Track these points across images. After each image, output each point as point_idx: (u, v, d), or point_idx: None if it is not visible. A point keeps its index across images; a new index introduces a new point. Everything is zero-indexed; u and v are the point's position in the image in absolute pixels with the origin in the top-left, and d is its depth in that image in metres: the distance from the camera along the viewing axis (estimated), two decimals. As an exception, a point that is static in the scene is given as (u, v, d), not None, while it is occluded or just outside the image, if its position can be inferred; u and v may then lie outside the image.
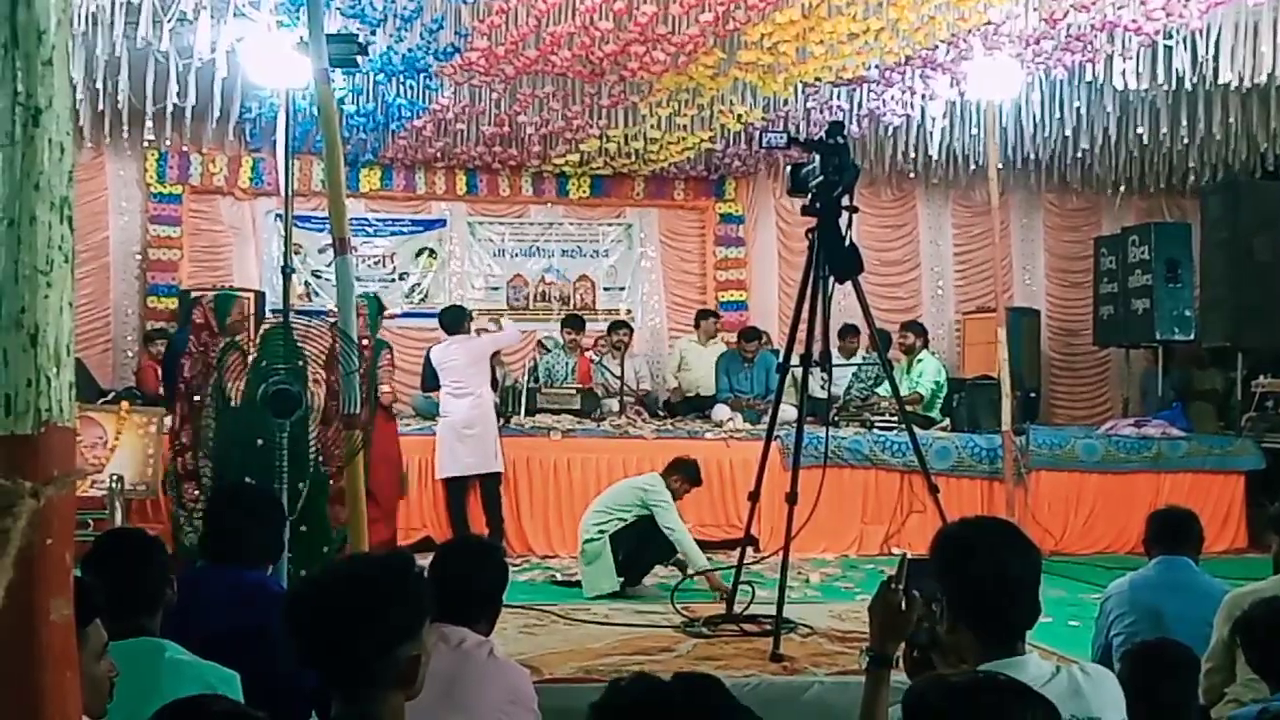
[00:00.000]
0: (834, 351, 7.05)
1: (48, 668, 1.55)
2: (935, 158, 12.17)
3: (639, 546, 8.15)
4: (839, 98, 10.66)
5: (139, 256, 12.62)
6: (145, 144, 11.77)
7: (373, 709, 2.40)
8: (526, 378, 11.29)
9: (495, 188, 13.26)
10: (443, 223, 13.39)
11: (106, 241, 12.41)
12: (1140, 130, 11.29)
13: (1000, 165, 10.76)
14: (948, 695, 2.04)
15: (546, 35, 8.80)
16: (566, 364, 11.56)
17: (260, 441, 5.80)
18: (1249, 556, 9.90)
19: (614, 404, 11.05)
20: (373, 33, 8.65)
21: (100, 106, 10.21)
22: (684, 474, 8.40)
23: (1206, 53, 8.80)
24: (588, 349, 11.87)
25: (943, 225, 14.18)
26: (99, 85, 9.48)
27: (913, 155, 12.31)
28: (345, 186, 5.67)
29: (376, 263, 13.17)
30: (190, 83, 9.49)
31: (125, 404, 9.30)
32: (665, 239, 13.87)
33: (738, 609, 6.81)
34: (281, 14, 8.32)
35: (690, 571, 7.92)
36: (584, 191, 13.41)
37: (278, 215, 12.30)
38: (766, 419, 7.64)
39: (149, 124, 10.40)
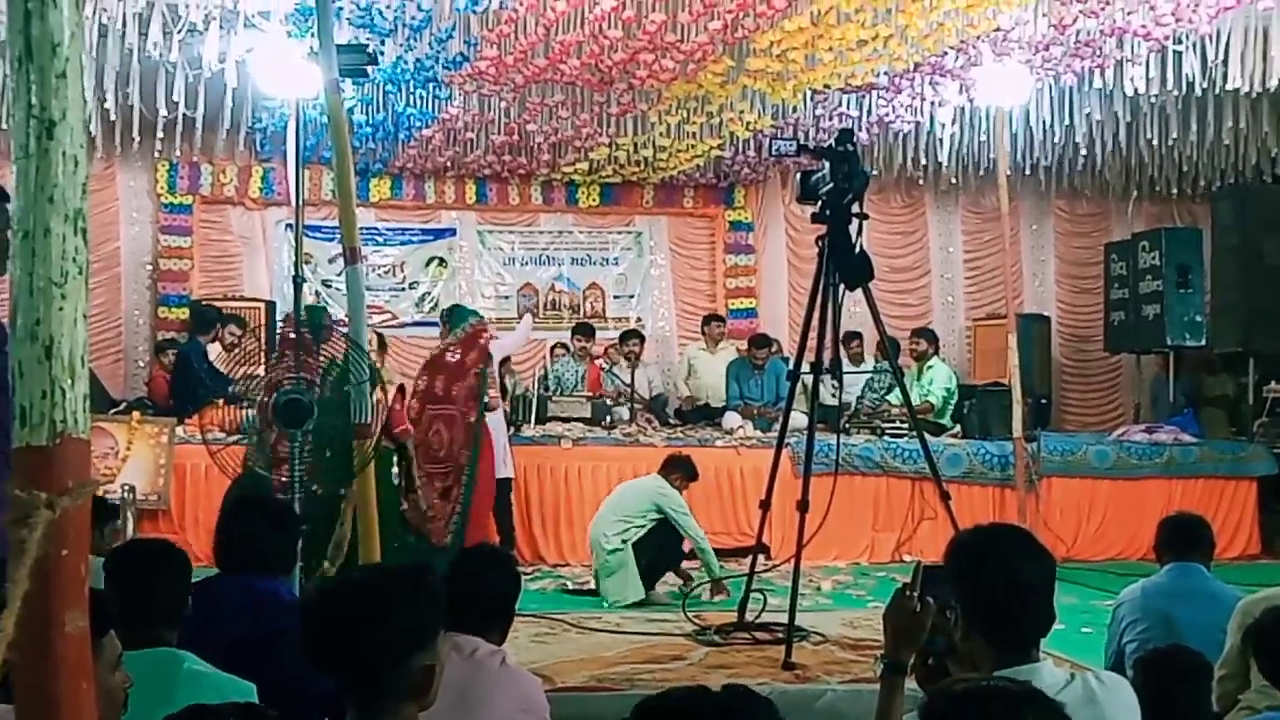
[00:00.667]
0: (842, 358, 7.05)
1: (63, 678, 1.56)
2: (945, 164, 12.17)
3: (659, 553, 8.20)
4: (848, 105, 10.67)
5: (150, 267, 12.66)
6: (156, 154, 11.82)
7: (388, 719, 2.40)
8: (537, 386, 11.31)
9: (505, 196, 13.29)
10: (452, 232, 13.42)
11: (117, 252, 12.45)
12: (1150, 136, 11.27)
13: (1010, 171, 10.75)
14: (960, 701, 2.04)
15: (555, 44, 8.81)
16: (577, 372, 11.57)
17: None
18: (1261, 562, 9.90)
19: (624, 412, 11.05)
20: (382, 42, 8.67)
21: (111, 117, 10.26)
22: (683, 471, 8.47)
23: (1216, 58, 8.80)
24: (598, 357, 11.88)
25: (953, 232, 14.16)
26: (110, 96, 9.51)
27: (922, 162, 12.32)
28: (355, 196, 5.68)
29: (386, 272, 13.19)
30: (200, 93, 9.53)
31: (136, 414, 9.34)
32: (675, 247, 13.88)
33: (749, 617, 6.80)
34: (291, 24, 8.35)
35: (691, 588, 7.94)
36: (593, 200, 13.43)
37: (288, 225, 12.32)
38: (777, 427, 7.64)
39: (159, 134, 10.45)
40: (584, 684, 5.64)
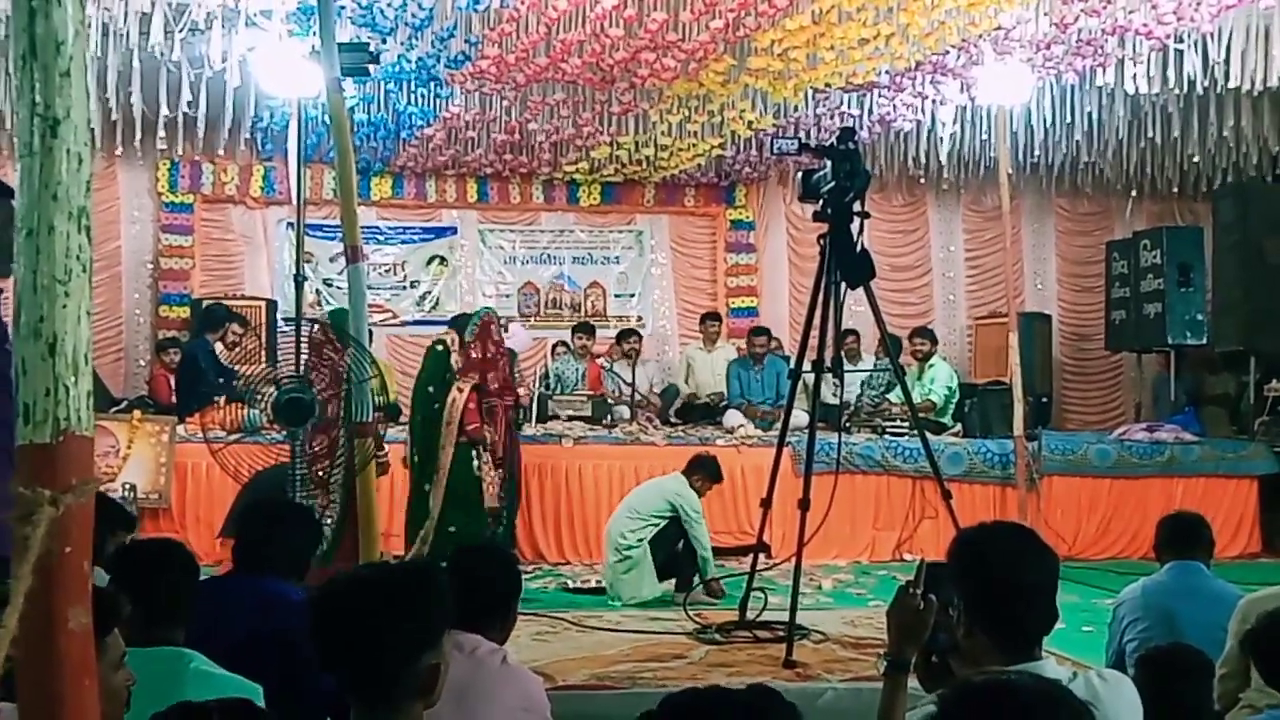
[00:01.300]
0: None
1: (66, 676, 1.56)
2: (946, 163, 12.18)
3: (677, 550, 8.27)
4: (849, 103, 10.67)
5: (151, 265, 12.67)
6: (157, 153, 11.82)
7: (394, 718, 2.40)
8: (537, 385, 11.30)
9: (506, 195, 13.29)
10: (453, 230, 13.42)
11: (118, 251, 12.46)
12: (1151, 134, 11.28)
13: (1011, 170, 10.75)
14: (982, 694, 2.02)
15: (557, 43, 8.81)
16: (577, 370, 11.57)
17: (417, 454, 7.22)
18: (1262, 561, 9.90)
19: (625, 410, 11.05)
20: (384, 41, 8.67)
21: (113, 116, 10.26)
22: (705, 472, 8.46)
23: (1217, 56, 8.79)
24: (599, 355, 11.88)
25: (954, 230, 14.16)
26: (111, 95, 9.51)
27: (923, 160, 12.32)
28: (356, 194, 5.69)
29: (387, 271, 13.19)
30: (202, 92, 9.54)
31: (137, 413, 9.34)
32: (676, 246, 13.88)
33: (750, 615, 6.81)
34: (293, 23, 8.35)
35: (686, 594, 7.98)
36: (595, 199, 13.43)
37: (289, 224, 12.32)
38: (778, 426, 7.64)
39: (161, 133, 10.44)
40: (585, 682, 5.64)
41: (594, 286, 13.68)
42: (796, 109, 10.49)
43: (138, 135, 10.43)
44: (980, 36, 8.77)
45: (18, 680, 1.56)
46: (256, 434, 6.33)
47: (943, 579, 2.82)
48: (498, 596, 3.61)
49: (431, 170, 12.86)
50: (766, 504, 6.85)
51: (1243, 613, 4.30)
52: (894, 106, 10.68)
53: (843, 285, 6.30)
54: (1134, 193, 13.77)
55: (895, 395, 10.66)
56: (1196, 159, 12.03)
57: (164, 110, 9.96)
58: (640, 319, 13.51)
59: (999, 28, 8.55)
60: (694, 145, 11.31)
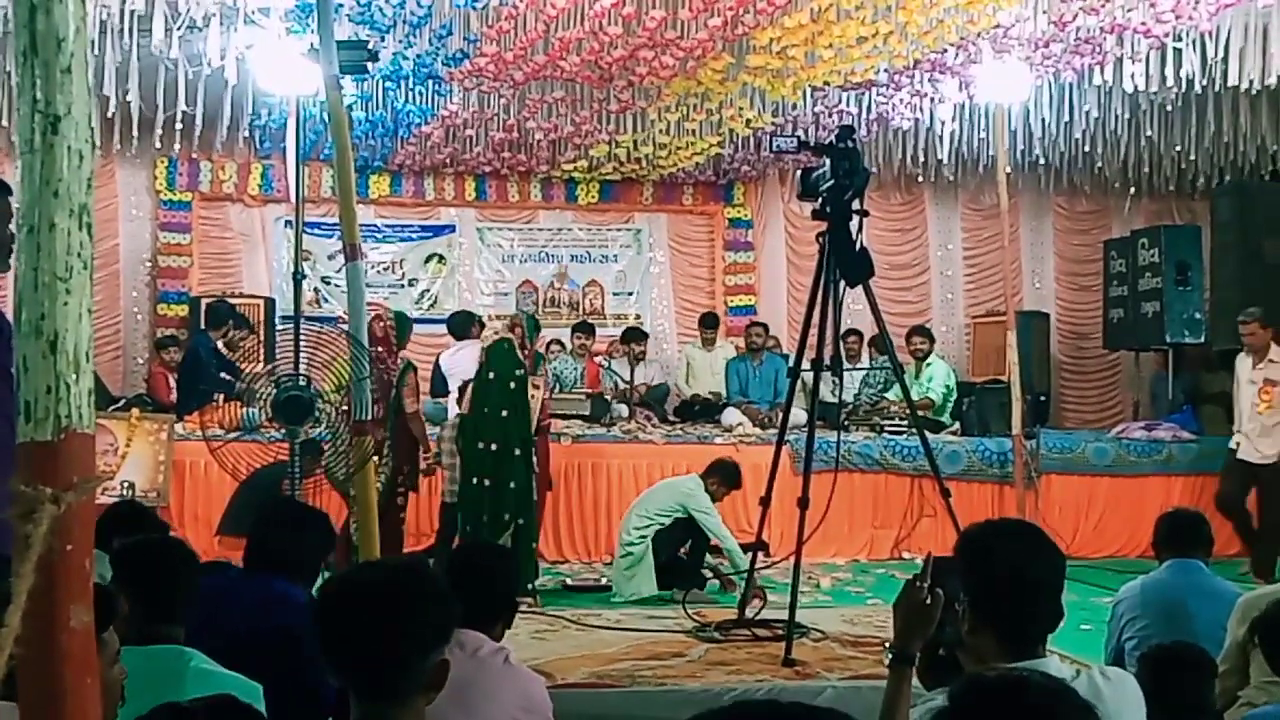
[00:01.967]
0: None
1: (67, 673, 1.56)
2: (944, 161, 12.17)
3: (679, 555, 8.30)
4: (848, 102, 10.66)
5: (149, 263, 12.66)
6: (155, 151, 11.79)
7: (397, 714, 2.39)
8: (536, 384, 11.28)
9: (504, 193, 13.28)
10: (452, 228, 13.41)
11: (116, 249, 12.45)
12: (1150, 133, 11.28)
13: (1009, 169, 10.75)
14: (993, 691, 2.01)
15: (555, 41, 8.81)
16: (575, 369, 11.57)
17: (495, 446, 7.73)
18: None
19: (623, 409, 11.04)
20: (382, 39, 8.66)
21: (110, 114, 10.24)
22: (721, 476, 8.46)
23: (1216, 55, 8.79)
24: (597, 354, 11.87)
25: (952, 229, 14.16)
26: (109, 93, 9.50)
27: (922, 159, 12.31)
28: (355, 192, 5.68)
29: (385, 269, 13.18)
30: (200, 90, 9.52)
31: (136, 411, 9.33)
32: (674, 244, 13.88)
33: (749, 614, 6.81)
34: (291, 21, 8.34)
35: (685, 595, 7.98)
36: (593, 197, 13.43)
37: (287, 222, 12.31)
38: (778, 424, 7.64)
39: (159, 131, 10.42)
40: (584, 680, 5.63)
41: (592, 285, 13.67)
42: (795, 107, 10.48)
43: (135, 133, 10.42)
44: (979, 35, 8.76)
45: (19, 678, 1.56)
46: (255, 432, 6.34)
47: (949, 574, 2.82)
48: (500, 595, 3.62)
49: (430, 168, 12.85)
50: (765, 502, 6.84)
51: (1242, 611, 4.31)
52: (892, 105, 10.68)
53: (842, 283, 6.29)
54: (1132, 191, 13.76)
55: (894, 394, 10.66)
56: (1195, 157, 12.02)
57: (162, 108, 9.95)
58: (638, 317, 13.50)
59: (997, 26, 8.54)
60: (692, 143, 11.30)
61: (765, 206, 13.88)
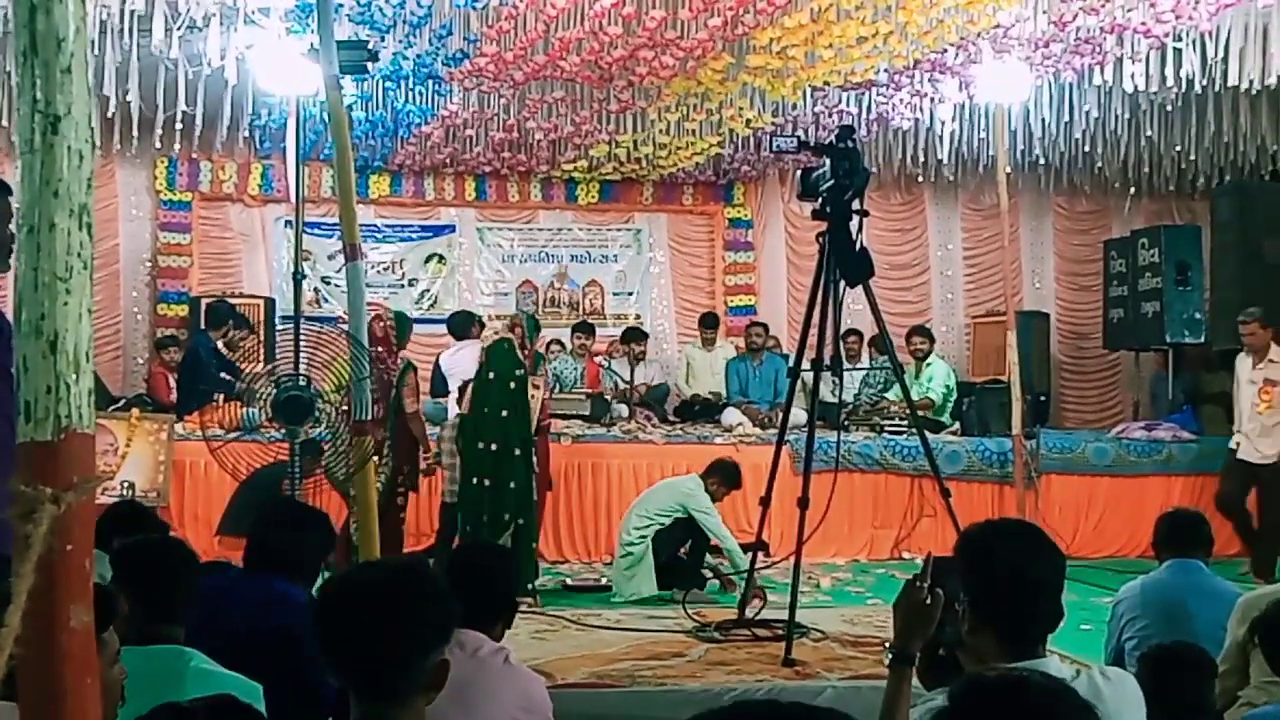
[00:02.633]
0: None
1: (67, 673, 1.56)
2: (944, 161, 12.17)
3: (679, 555, 8.29)
4: (848, 102, 10.66)
5: (149, 263, 12.66)
6: (155, 151, 11.79)
7: (397, 714, 2.39)
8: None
9: (504, 193, 13.28)
10: (452, 228, 13.41)
11: (116, 249, 12.45)
12: (1150, 133, 11.28)
13: (1009, 169, 10.75)
14: (998, 690, 2.01)
15: (555, 41, 8.81)
16: (575, 369, 11.57)
17: (495, 446, 7.73)
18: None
19: (623, 409, 11.04)
20: (382, 39, 8.66)
21: (110, 114, 10.24)
22: (721, 476, 8.46)
23: (1216, 55, 8.79)
24: (597, 354, 11.87)
25: (952, 229, 14.16)
26: (109, 93, 9.50)
27: (922, 159, 12.31)
28: (355, 192, 5.68)
29: (385, 269, 13.18)
30: (200, 90, 9.52)
31: (136, 411, 9.33)
32: (674, 244, 13.88)
33: (749, 614, 6.81)
34: (291, 21, 8.34)
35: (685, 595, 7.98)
36: (593, 197, 13.43)
37: (287, 222, 12.31)
38: (778, 423, 7.64)
39: (159, 131, 10.42)
40: (584, 680, 5.63)
41: (592, 285, 13.67)
42: (795, 107, 10.48)
43: (135, 133, 10.42)
44: (979, 35, 8.76)
45: (19, 678, 1.55)
46: (255, 432, 6.34)
47: (949, 574, 2.82)
48: (500, 595, 3.62)
49: (430, 168, 12.85)
50: (765, 502, 6.84)
51: (1242, 611, 4.31)
52: (892, 105, 10.67)
53: (842, 284, 6.29)
54: (1132, 191, 13.76)
55: (894, 394, 10.66)
56: (1195, 157, 12.02)
57: (162, 108, 9.95)
58: (638, 317, 13.50)
59: (997, 26, 8.54)
60: (692, 143, 11.30)
61: (765, 206, 13.88)
